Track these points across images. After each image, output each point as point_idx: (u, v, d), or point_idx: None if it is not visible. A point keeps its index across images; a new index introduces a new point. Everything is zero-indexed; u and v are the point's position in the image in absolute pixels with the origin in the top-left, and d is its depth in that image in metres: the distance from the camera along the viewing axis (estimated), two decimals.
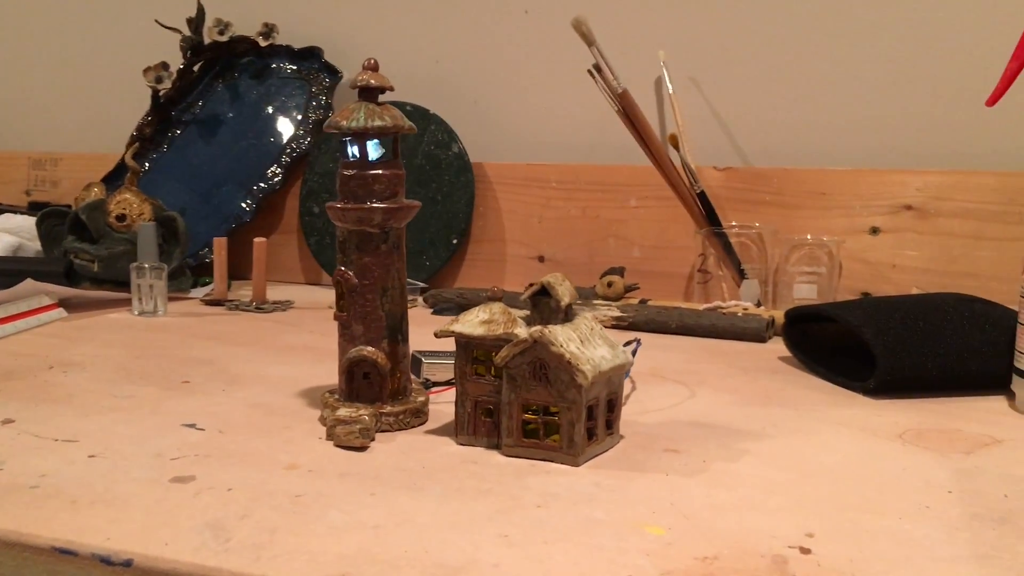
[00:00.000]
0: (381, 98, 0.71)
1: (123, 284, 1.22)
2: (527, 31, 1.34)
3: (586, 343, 0.64)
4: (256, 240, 1.19)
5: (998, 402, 0.80)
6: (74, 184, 1.56)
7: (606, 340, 0.66)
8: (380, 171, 0.69)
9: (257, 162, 1.43)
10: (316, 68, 1.44)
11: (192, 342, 1.00)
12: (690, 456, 0.65)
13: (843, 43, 1.20)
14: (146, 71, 1.43)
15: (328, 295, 1.31)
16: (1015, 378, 0.78)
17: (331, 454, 0.64)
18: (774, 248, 1.17)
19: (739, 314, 1.06)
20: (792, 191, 1.20)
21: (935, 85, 1.17)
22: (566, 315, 0.65)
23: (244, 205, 1.41)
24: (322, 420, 0.71)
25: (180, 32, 1.45)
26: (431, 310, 1.19)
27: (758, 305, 1.12)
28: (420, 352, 0.84)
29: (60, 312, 1.11)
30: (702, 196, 1.17)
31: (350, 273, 0.69)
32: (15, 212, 1.46)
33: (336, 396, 0.72)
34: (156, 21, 1.44)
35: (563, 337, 0.62)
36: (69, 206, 1.41)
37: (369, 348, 0.69)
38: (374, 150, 0.69)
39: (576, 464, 0.62)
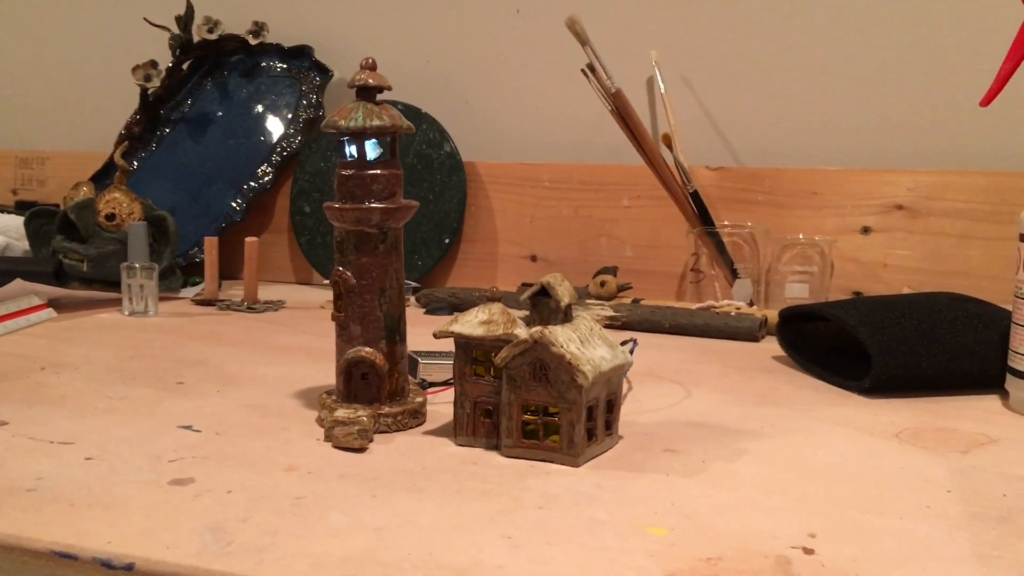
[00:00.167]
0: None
1: (112, 284, 1.21)
2: (519, 30, 1.34)
3: (586, 343, 0.64)
4: (248, 239, 1.19)
5: (992, 401, 0.80)
6: (61, 183, 1.55)
7: (605, 340, 0.66)
8: (378, 171, 0.68)
9: (247, 161, 1.43)
10: (306, 67, 1.44)
11: (184, 342, 0.99)
12: (689, 456, 0.65)
13: (834, 43, 1.21)
14: (135, 69, 1.42)
15: (320, 295, 1.30)
16: (1009, 377, 0.79)
17: (330, 455, 0.64)
18: (766, 247, 1.17)
19: (732, 313, 1.07)
20: (784, 191, 1.20)
21: (926, 85, 1.18)
22: (566, 315, 0.65)
23: (234, 204, 1.41)
24: (319, 421, 0.71)
25: (169, 30, 1.44)
26: (423, 310, 1.18)
27: (751, 304, 1.13)
28: (416, 352, 0.84)
29: (50, 312, 1.10)
30: (695, 195, 1.17)
31: (348, 273, 0.69)
32: (2, 211, 1.45)
33: (333, 397, 0.72)
34: (145, 19, 1.43)
35: (563, 338, 0.62)
36: (57, 205, 1.40)
37: (367, 349, 0.69)
38: (372, 150, 0.68)
39: (576, 465, 0.62)
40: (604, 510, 0.55)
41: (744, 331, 1.04)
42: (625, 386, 0.83)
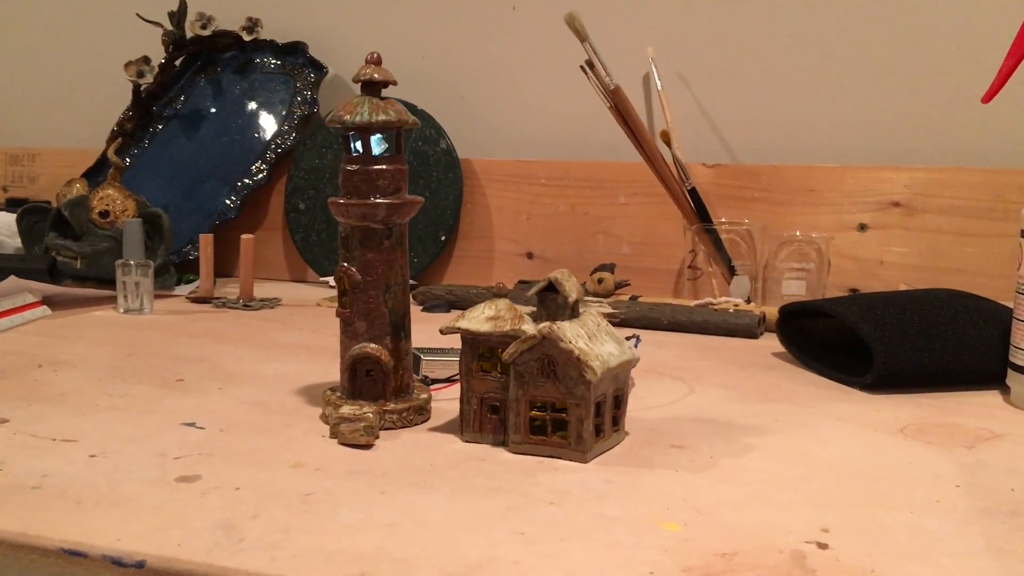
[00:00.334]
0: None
1: (106, 281, 1.20)
2: (514, 27, 1.34)
3: (594, 339, 0.63)
4: (244, 237, 1.18)
5: (993, 397, 0.81)
6: (52, 180, 1.54)
7: (613, 336, 0.66)
8: (383, 166, 0.68)
9: (241, 158, 1.42)
10: (301, 63, 1.43)
11: (182, 340, 0.98)
12: (697, 452, 0.65)
13: (831, 41, 1.21)
14: (127, 65, 1.41)
15: (316, 292, 1.30)
16: (1011, 372, 0.79)
17: (336, 452, 0.64)
18: (763, 244, 1.17)
19: (730, 310, 1.07)
20: (781, 188, 1.20)
21: (922, 82, 1.18)
22: (573, 311, 0.65)
23: (228, 202, 1.40)
24: (324, 418, 0.71)
25: (162, 26, 1.43)
26: (421, 307, 1.18)
27: (748, 301, 1.13)
28: (418, 349, 0.84)
29: (44, 310, 1.09)
30: (693, 192, 1.17)
31: (353, 269, 0.68)
32: None
33: (338, 394, 0.71)
34: (137, 15, 1.43)
35: (571, 333, 0.62)
36: (48, 202, 1.39)
37: (372, 345, 0.69)
38: (377, 145, 0.68)
39: (584, 461, 0.62)
40: (615, 506, 0.55)
41: (743, 328, 1.04)
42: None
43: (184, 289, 1.29)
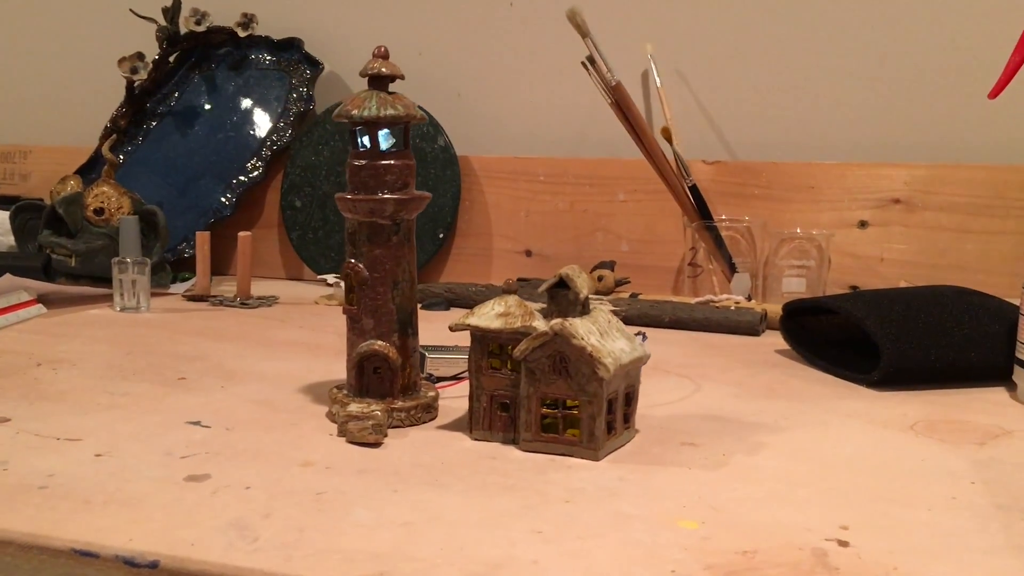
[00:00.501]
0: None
1: (101, 279, 1.19)
2: (512, 23, 1.33)
3: (605, 336, 0.63)
4: (241, 234, 1.17)
5: (999, 393, 0.80)
6: (44, 177, 1.53)
7: (623, 333, 0.65)
8: (391, 161, 0.67)
9: (236, 155, 1.41)
10: (296, 59, 1.42)
11: (180, 338, 0.97)
12: (709, 449, 0.64)
13: (831, 37, 1.20)
14: (121, 61, 1.40)
15: (313, 290, 1.29)
16: (1017, 369, 0.79)
17: (344, 451, 0.63)
18: (763, 242, 1.17)
19: (732, 308, 1.06)
20: (781, 185, 1.20)
21: (922, 79, 1.18)
22: (583, 308, 0.64)
23: (223, 199, 1.39)
24: (330, 416, 0.70)
25: (156, 22, 1.42)
26: (420, 305, 1.17)
27: (748, 299, 1.12)
28: (423, 347, 0.83)
29: (40, 308, 1.08)
30: (694, 189, 1.16)
31: (360, 266, 0.68)
32: None
33: (345, 391, 0.70)
34: (131, 10, 1.41)
35: (583, 330, 0.61)
36: (41, 200, 1.37)
37: (380, 342, 0.68)
38: (385, 140, 0.67)
39: (596, 458, 0.62)
40: (631, 504, 0.54)
41: (745, 325, 1.03)
42: None
43: (180, 287, 1.28)
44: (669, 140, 1.18)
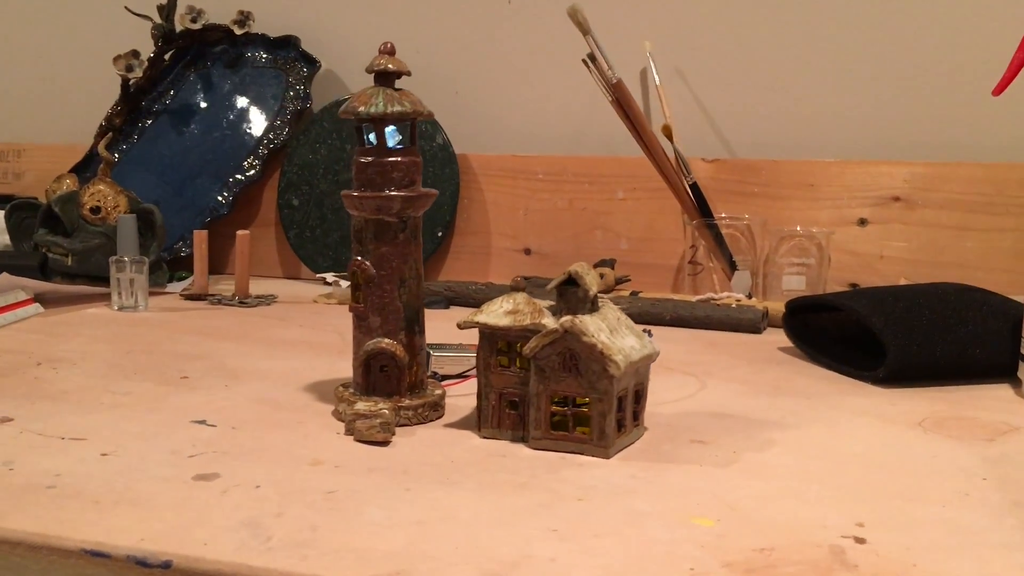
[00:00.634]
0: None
1: (97, 278, 1.18)
2: (509, 21, 1.32)
3: (615, 333, 0.63)
4: (239, 233, 1.16)
5: (1004, 390, 0.80)
6: (39, 176, 1.51)
7: (633, 330, 0.65)
8: (398, 158, 0.67)
9: (232, 153, 1.40)
10: (293, 57, 1.41)
11: (180, 337, 0.97)
12: (719, 447, 0.64)
13: (830, 34, 1.20)
14: (116, 59, 1.39)
15: (311, 289, 1.28)
16: (1023, 365, 0.79)
17: (353, 449, 0.63)
18: (763, 240, 1.17)
19: (733, 305, 1.06)
20: (780, 183, 1.20)
21: (922, 76, 1.18)
22: (592, 305, 0.64)
23: (220, 198, 1.38)
24: (336, 414, 0.69)
25: (151, 20, 1.41)
26: None
27: (749, 297, 1.12)
28: (428, 345, 0.83)
29: (37, 307, 1.07)
30: (694, 187, 1.16)
31: (367, 263, 0.67)
32: None
33: (351, 390, 0.70)
34: (126, 8, 1.40)
35: (593, 327, 0.61)
36: (36, 198, 1.36)
37: (387, 340, 0.68)
38: (391, 137, 0.67)
39: (607, 456, 0.61)
40: (645, 501, 0.54)
41: (747, 323, 1.03)
42: None
43: (177, 286, 1.27)
44: (670, 138, 1.18)
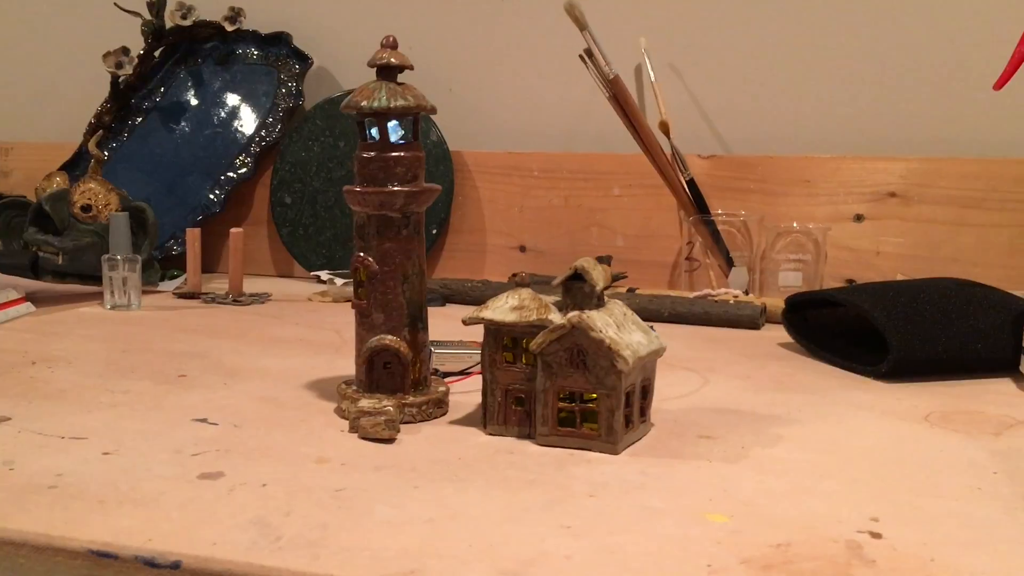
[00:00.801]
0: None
1: (89, 277, 1.17)
2: (503, 16, 1.32)
3: (622, 328, 0.62)
4: (233, 231, 1.15)
5: (1005, 384, 0.80)
6: (27, 174, 1.50)
7: (639, 325, 0.65)
8: (401, 153, 0.66)
9: (224, 151, 1.39)
10: (284, 54, 1.40)
11: (176, 335, 0.96)
12: (727, 442, 0.64)
13: (825, 30, 1.20)
14: (106, 56, 1.38)
15: (305, 287, 1.27)
16: None
17: (358, 447, 0.62)
18: (759, 236, 1.16)
19: (731, 301, 1.06)
20: (776, 179, 1.20)
21: (917, 72, 1.18)
22: (599, 300, 0.63)
23: (212, 196, 1.37)
24: (340, 412, 0.69)
25: (141, 16, 1.39)
26: None
27: (746, 293, 1.12)
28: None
29: (28, 306, 1.06)
30: (691, 183, 1.16)
31: (370, 259, 0.66)
32: None
33: (354, 387, 0.69)
34: (115, 4, 1.39)
35: (601, 323, 0.60)
36: (25, 196, 1.35)
37: (390, 337, 0.67)
38: (394, 131, 0.66)
39: (615, 452, 0.61)
40: (657, 498, 0.53)
41: (746, 319, 1.03)
42: None
43: (169, 285, 1.26)
44: (667, 134, 1.18)
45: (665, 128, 1.17)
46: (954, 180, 1.14)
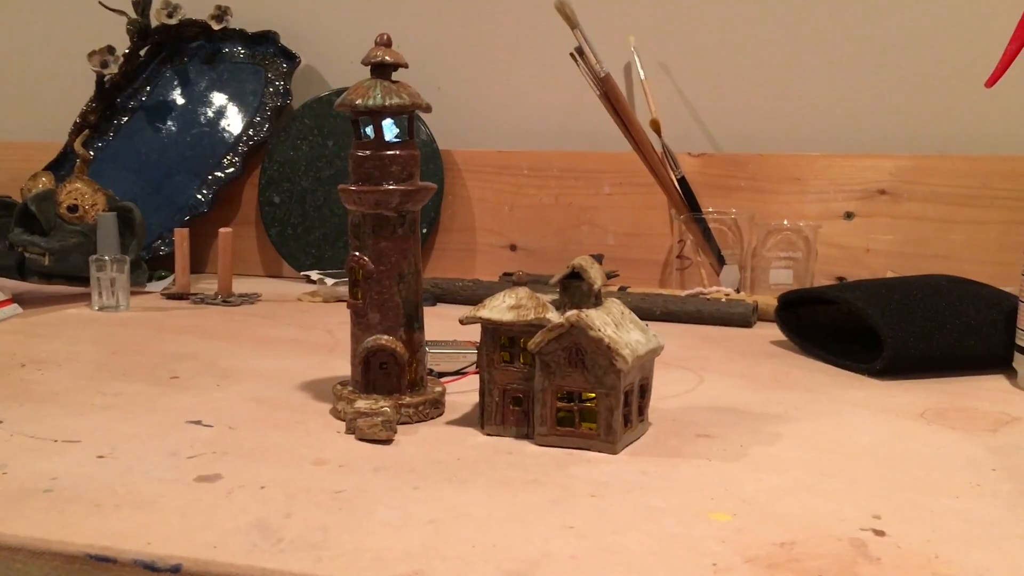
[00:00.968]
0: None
1: (75, 278, 1.16)
2: (492, 15, 1.31)
3: (620, 327, 0.62)
4: (222, 231, 1.14)
5: (999, 381, 0.81)
6: (11, 175, 1.48)
7: (637, 324, 0.64)
8: (396, 152, 0.66)
9: (211, 150, 1.38)
10: (272, 53, 1.39)
11: (166, 337, 0.95)
12: (726, 441, 0.63)
13: (815, 28, 1.20)
14: (91, 55, 1.36)
15: (295, 287, 1.27)
16: (1017, 356, 0.79)
17: (356, 448, 0.61)
18: (750, 234, 1.16)
19: (722, 300, 1.06)
20: (766, 177, 1.20)
21: (907, 70, 1.18)
22: (597, 299, 0.63)
23: (199, 196, 1.36)
24: (336, 413, 0.68)
25: (126, 15, 1.38)
26: None
27: (738, 291, 1.12)
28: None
29: (15, 308, 1.05)
30: (682, 182, 1.16)
31: (366, 259, 0.66)
32: None
33: (350, 388, 0.69)
34: (100, 3, 1.38)
35: (599, 321, 0.60)
36: (9, 197, 1.33)
37: (386, 337, 0.66)
38: (389, 130, 0.66)
39: (614, 452, 0.60)
40: (658, 497, 0.53)
41: (738, 317, 1.03)
42: None
43: (157, 285, 1.25)
44: (658, 132, 1.18)
45: (656, 126, 1.17)
46: (944, 177, 1.14)
